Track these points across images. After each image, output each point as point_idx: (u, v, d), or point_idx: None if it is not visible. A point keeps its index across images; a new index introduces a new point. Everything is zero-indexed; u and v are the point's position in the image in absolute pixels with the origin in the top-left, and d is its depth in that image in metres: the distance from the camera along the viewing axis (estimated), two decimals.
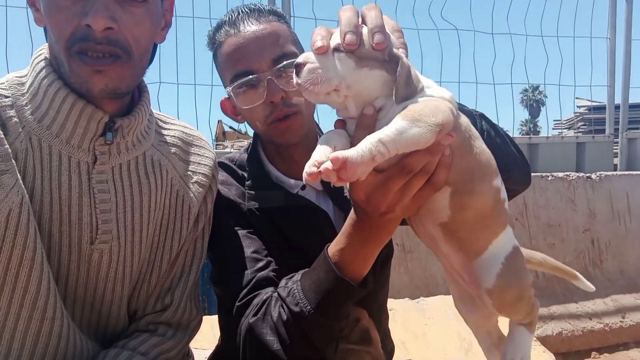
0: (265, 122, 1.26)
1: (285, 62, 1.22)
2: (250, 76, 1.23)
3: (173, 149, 1.22)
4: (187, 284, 1.21)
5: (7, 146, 0.96)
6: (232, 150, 4.88)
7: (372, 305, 1.32)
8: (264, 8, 1.30)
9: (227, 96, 1.32)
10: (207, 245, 1.26)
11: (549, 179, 3.92)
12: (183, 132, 1.27)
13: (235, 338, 1.18)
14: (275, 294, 1.12)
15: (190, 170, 1.22)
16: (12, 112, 1.01)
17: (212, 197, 1.26)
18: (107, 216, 1.06)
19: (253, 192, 1.29)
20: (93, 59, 0.98)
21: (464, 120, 0.97)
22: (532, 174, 4.42)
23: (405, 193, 0.91)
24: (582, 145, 4.66)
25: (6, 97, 1.03)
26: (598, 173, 4.16)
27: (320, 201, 1.31)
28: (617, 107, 4.89)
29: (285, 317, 1.07)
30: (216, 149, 6.18)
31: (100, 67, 0.99)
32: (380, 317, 1.42)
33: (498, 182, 0.99)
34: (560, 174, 4.00)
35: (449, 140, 0.88)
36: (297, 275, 1.12)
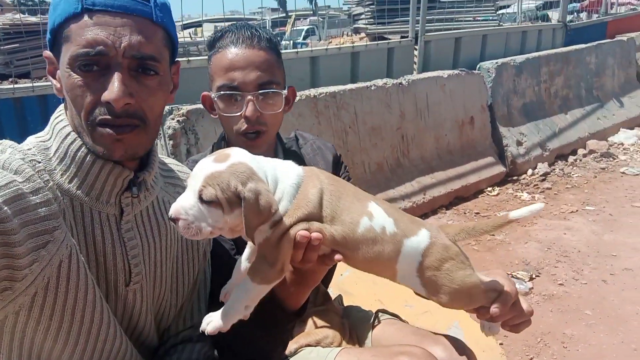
0: (237, 132, 1.47)
1: (267, 90, 1.45)
2: (236, 92, 1.44)
3: (176, 189, 1.34)
4: (206, 296, 1.41)
5: (56, 205, 1.03)
6: None
7: (326, 279, 1.72)
8: (263, 35, 1.49)
9: (210, 93, 1.52)
10: None
11: (372, 88, 4.58)
12: (178, 170, 1.39)
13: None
14: None
15: None
16: (47, 176, 1.06)
17: None
18: (137, 260, 1.20)
19: None
20: (114, 127, 1.06)
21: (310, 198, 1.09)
22: (358, 84, 4.96)
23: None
24: (392, 50, 5.39)
25: (38, 162, 1.07)
26: (407, 78, 4.96)
27: None
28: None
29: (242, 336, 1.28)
30: None
31: (120, 136, 1.07)
32: (327, 284, 1.83)
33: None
34: (380, 82, 4.69)
35: (302, 238, 1.05)
36: None
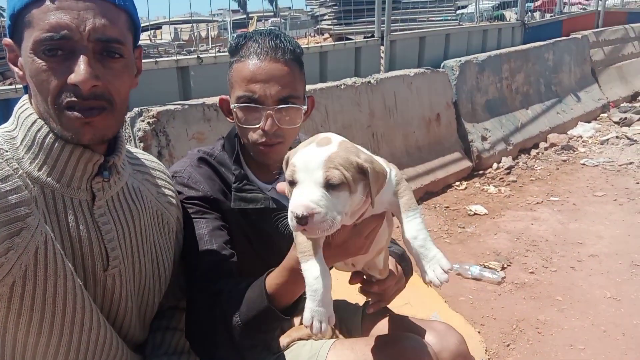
0: (254, 142, 1.45)
1: (287, 106, 1.42)
2: (256, 105, 1.41)
3: (144, 176, 1.35)
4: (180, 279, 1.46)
5: (26, 192, 1.01)
6: None
7: None
8: (287, 46, 1.44)
9: (228, 97, 1.50)
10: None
11: (342, 87, 4.61)
12: (145, 159, 1.39)
13: (190, 313, 1.42)
14: (223, 297, 1.29)
15: (160, 193, 1.37)
16: (15, 164, 1.05)
17: (181, 213, 1.43)
18: (113, 244, 1.19)
19: (240, 194, 1.47)
20: (82, 110, 1.06)
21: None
22: (328, 84, 5.00)
23: (369, 237, 1.18)
24: (359, 50, 5.44)
25: (6, 151, 1.06)
26: (375, 77, 5.01)
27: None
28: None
29: (220, 320, 1.28)
30: None
31: (88, 119, 1.07)
32: None
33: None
34: (350, 81, 4.73)
35: None
36: (243, 284, 1.30)
